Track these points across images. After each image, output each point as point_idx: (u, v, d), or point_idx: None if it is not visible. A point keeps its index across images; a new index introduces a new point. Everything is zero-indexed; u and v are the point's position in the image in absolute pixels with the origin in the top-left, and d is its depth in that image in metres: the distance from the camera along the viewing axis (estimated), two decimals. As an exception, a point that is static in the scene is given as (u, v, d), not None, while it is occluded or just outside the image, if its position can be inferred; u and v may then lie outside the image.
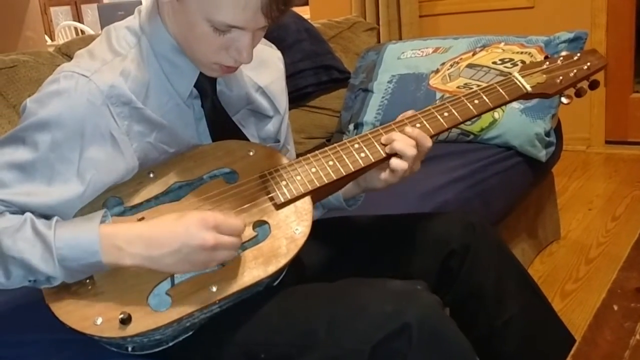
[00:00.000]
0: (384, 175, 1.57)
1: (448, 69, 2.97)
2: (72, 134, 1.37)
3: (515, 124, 2.73)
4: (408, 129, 1.56)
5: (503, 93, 1.68)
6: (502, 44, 2.98)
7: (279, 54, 1.77)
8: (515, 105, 2.74)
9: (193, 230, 1.32)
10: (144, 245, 1.33)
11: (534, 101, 2.73)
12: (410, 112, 1.62)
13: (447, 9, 5.15)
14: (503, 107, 2.72)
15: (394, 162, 1.54)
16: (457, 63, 2.98)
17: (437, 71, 3.01)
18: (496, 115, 2.74)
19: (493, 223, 2.34)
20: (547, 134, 2.75)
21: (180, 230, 1.33)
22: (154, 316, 1.34)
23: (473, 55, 2.98)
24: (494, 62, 2.87)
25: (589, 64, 1.76)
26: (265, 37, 1.67)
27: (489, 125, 2.75)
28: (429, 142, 1.56)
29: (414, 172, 1.57)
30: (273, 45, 1.78)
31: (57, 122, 1.36)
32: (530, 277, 1.73)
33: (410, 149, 1.52)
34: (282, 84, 1.74)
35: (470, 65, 2.92)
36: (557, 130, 2.92)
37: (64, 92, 1.37)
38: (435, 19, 5.20)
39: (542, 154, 2.74)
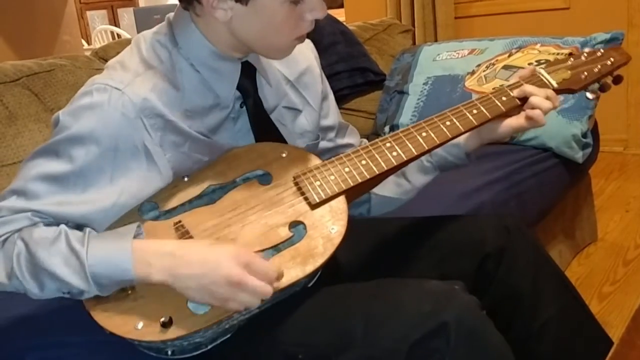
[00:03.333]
0: (516, 122, 1.65)
1: (484, 71, 2.96)
2: (106, 148, 1.38)
3: (552, 125, 2.71)
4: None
5: None
6: (538, 45, 2.97)
7: (308, 42, 1.76)
8: (552, 106, 2.73)
9: (223, 261, 1.32)
10: (172, 263, 1.33)
11: (571, 102, 2.72)
12: (531, 68, 1.74)
13: (483, 10, 5.14)
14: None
15: (534, 112, 1.62)
16: (493, 64, 2.97)
17: (472, 73, 3.01)
18: (532, 116, 2.73)
19: (530, 225, 2.33)
20: (584, 135, 2.73)
21: (211, 257, 1.33)
22: (195, 319, 1.35)
23: (509, 56, 2.97)
24: (530, 64, 2.84)
25: (612, 59, 1.78)
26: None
27: (525, 126, 2.74)
28: (556, 102, 1.65)
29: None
30: None
31: (90, 137, 1.37)
32: (567, 279, 1.72)
33: (546, 103, 1.62)
34: (313, 72, 1.74)
35: (506, 67, 2.90)
36: (594, 131, 2.91)
37: (97, 106, 1.38)
38: (471, 21, 5.18)
39: (579, 156, 2.73)
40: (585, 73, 1.74)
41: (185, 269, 1.32)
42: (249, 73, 1.55)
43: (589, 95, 1.77)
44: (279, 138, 1.63)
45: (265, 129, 1.60)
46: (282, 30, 1.44)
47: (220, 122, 1.53)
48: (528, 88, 1.64)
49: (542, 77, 1.72)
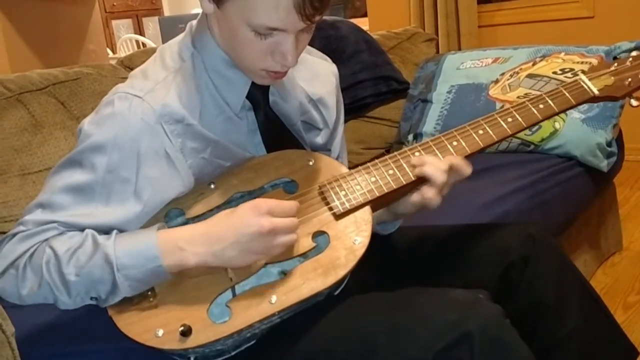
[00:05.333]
0: (415, 198, 1.54)
1: (508, 79, 2.96)
2: (128, 155, 1.39)
3: (577, 134, 2.71)
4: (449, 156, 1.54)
5: (569, 97, 1.64)
6: (563, 54, 2.96)
7: (334, 68, 1.77)
8: (577, 115, 2.72)
9: (247, 218, 1.33)
10: (205, 243, 1.35)
11: (595, 111, 2.71)
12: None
13: (506, 19, 5.12)
14: (564, 117, 2.70)
15: (425, 188, 1.51)
16: (517, 73, 2.96)
17: (496, 81, 3.00)
18: (557, 125, 2.72)
19: (554, 234, 2.32)
20: (609, 144, 2.72)
21: (235, 221, 1.35)
22: (214, 328, 1.35)
23: (533, 65, 2.96)
24: (554, 72, 2.84)
25: None
26: (325, 48, 1.68)
27: (549, 135, 2.73)
28: (467, 171, 1.53)
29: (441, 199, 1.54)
30: (329, 59, 1.78)
31: (112, 144, 1.38)
32: (592, 288, 1.70)
33: (440, 175, 1.50)
34: (333, 98, 1.74)
35: (530, 76, 2.90)
36: (619, 140, 2.89)
37: (118, 114, 1.40)
38: (494, 30, 5.17)
39: (604, 164, 2.71)
40: (630, 79, 1.69)
41: (219, 244, 1.35)
42: (261, 85, 1.53)
43: (634, 102, 1.70)
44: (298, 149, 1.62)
45: (281, 141, 1.59)
46: (244, 52, 1.41)
47: (236, 131, 1.53)
48: (425, 158, 1.52)
49: (582, 84, 1.67)
